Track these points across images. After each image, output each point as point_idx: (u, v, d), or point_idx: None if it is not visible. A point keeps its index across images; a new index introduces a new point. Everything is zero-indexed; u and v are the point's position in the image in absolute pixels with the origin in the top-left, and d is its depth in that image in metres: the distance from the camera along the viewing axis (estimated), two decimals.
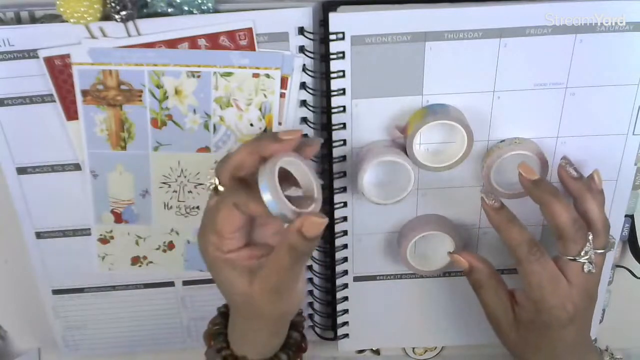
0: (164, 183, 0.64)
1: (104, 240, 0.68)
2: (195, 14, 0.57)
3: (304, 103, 0.61)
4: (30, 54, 0.58)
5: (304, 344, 0.61)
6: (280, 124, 0.61)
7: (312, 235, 0.47)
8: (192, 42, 0.58)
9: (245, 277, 0.51)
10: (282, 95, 0.60)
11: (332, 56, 0.58)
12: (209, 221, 0.52)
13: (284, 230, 0.49)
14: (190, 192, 0.65)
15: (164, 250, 0.68)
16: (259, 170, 0.49)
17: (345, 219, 0.65)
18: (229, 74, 0.59)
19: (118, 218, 0.66)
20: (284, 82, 0.60)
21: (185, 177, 0.64)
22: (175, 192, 0.65)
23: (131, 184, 0.65)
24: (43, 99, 0.60)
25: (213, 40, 0.58)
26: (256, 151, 0.51)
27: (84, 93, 0.60)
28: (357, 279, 0.69)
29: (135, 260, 0.69)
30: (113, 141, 0.62)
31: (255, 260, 0.52)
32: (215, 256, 0.52)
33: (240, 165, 0.51)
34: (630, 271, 0.70)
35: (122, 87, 0.60)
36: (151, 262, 0.69)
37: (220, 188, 0.51)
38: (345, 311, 0.71)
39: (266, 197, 0.47)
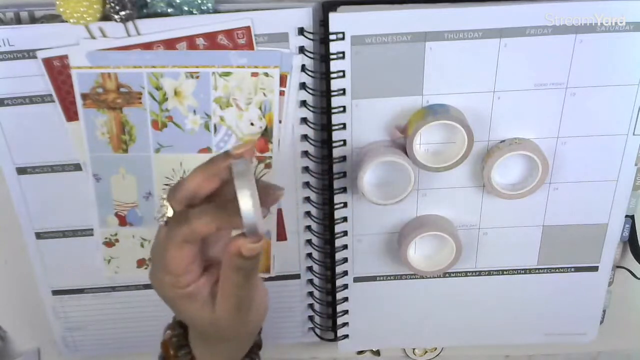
0: (166, 185, 0.64)
1: (109, 244, 0.67)
2: (195, 14, 0.57)
3: (304, 103, 0.61)
4: (30, 54, 0.58)
5: (260, 343, 0.58)
6: (280, 122, 0.61)
7: (251, 255, 0.44)
8: (191, 41, 0.58)
9: (207, 306, 0.48)
10: (281, 93, 0.60)
11: (332, 56, 0.58)
12: (159, 261, 0.47)
13: (225, 251, 0.45)
14: None
15: None
16: (235, 176, 0.43)
17: (345, 219, 0.65)
18: (228, 74, 0.59)
19: (122, 221, 0.66)
20: (283, 80, 0.60)
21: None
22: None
23: (134, 187, 0.65)
24: (43, 99, 0.60)
25: (211, 39, 0.58)
26: (213, 174, 0.46)
27: (84, 96, 0.60)
28: (357, 279, 0.69)
29: (141, 263, 0.69)
30: (114, 144, 0.62)
31: (215, 285, 0.48)
32: (175, 294, 0.47)
33: (196, 193, 0.46)
34: (630, 271, 0.70)
35: (122, 89, 0.60)
36: None
37: None
38: (346, 312, 0.71)
39: (246, 205, 0.42)
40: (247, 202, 0.42)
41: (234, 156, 0.46)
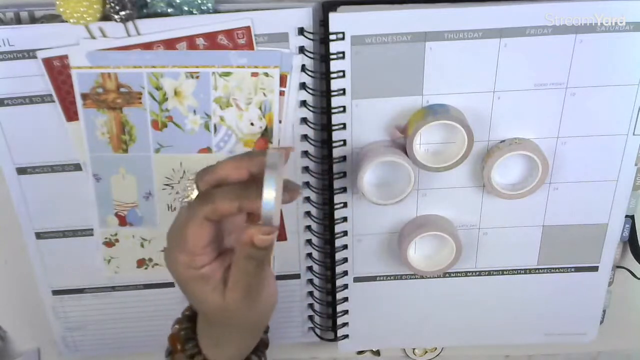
0: (166, 185, 0.64)
1: (108, 244, 0.67)
2: (195, 14, 0.57)
3: (304, 103, 0.61)
4: (30, 54, 0.58)
5: (267, 342, 0.59)
6: (280, 122, 0.61)
7: (263, 246, 0.45)
8: (191, 41, 0.58)
9: (218, 290, 0.49)
10: (281, 93, 0.60)
11: (332, 56, 0.58)
12: (177, 239, 0.48)
13: (239, 239, 0.46)
14: None
15: None
16: (267, 165, 0.44)
17: (345, 219, 0.65)
18: (228, 74, 0.59)
19: (122, 221, 0.66)
20: (283, 80, 0.60)
21: (187, 178, 0.64)
22: (178, 193, 0.65)
23: (134, 187, 0.64)
24: (43, 99, 0.60)
25: (211, 39, 0.58)
26: (245, 166, 0.47)
27: (84, 96, 0.60)
28: (357, 279, 0.69)
29: (141, 263, 0.69)
30: (114, 144, 0.62)
31: (227, 271, 0.49)
32: (188, 275, 0.49)
33: (224, 180, 0.47)
34: (630, 271, 0.70)
35: (122, 89, 0.60)
36: (157, 264, 0.69)
37: None
38: (346, 312, 0.71)
39: (269, 195, 0.43)
40: (270, 192, 0.43)
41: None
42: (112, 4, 0.55)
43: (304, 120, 0.62)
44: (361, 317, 0.71)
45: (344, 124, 0.61)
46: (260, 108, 0.61)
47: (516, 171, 0.62)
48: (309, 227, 0.67)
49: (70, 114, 0.61)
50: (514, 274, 0.69)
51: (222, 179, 0.48)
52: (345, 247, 0.67)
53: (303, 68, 0.59)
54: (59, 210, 0.66)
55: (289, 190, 0.49)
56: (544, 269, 0.68)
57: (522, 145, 0.60)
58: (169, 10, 0.57)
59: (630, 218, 0.67)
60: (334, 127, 0.61)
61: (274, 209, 0.44)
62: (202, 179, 0.48)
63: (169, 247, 0.50)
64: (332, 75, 0.58)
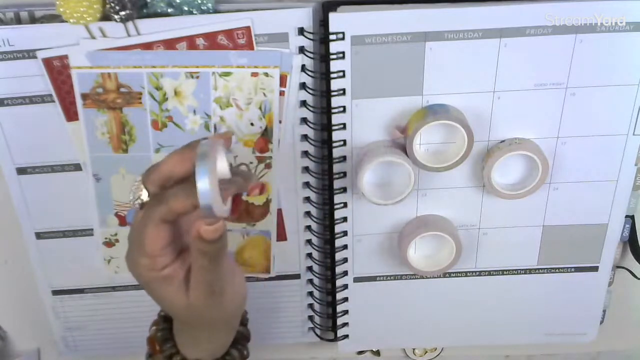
0: None
1: (108, 244, 0.67)
2: (195, 14, 0.57)
3: (304, 103, 0.61)
4: (30, 54, 0.58)
5: (248, 335, 0.58)
6: (280, 122, 0.61)
7: (212, 239, 0.45)
8: (191, 41, 0.58)
9: (182, 291, 0.48)
10: (281, 93, 0.60)
11: (332, 56, 0.58)
12: (137, 243, 0.48)
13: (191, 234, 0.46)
14: None
15: None
16: (197, 156, 0.43)
17: (345, 219, 0.65)
18: (228, 74, 0.59)
19: (122, 221, 0.66)
20: (283, 80, 0.60)
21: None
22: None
23: None
24: (43, 99, 0.60)
25: (211, 39, 0.58)
26: (187, 158, 0.47)
27: (84, 96, 0.60)
28: (357, 279, 0.69)
29: None
30: (114, 144, 0.62)
31: (189, 271, 0.49)
32: (151, 277, 0.48)
33: (170, 174, 0.47)
34: (630, 271, 0.70)
35: (122, 89, 0.60)
36: None
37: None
38: (346, 312, 0.71)
39: (202, 185, 0.41)
40: (203, 182, 0.41)
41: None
42: (112, 4, 0.55)
43: (304, 120, 0.62)
44: (361, 317, 0.71)
45: (344, 124, 0.61)
46: (260, 108, 0.61)
47: (516, 171, 0.63)
48: (309, 227, 0.67)
49: (70, 114, 0.61)
50: (514, 274, 0.69)
51: (168, 175, 0.47)
52: (345, 247, 0.67)
53: (303, 68, 0.59)
54: (59, 210, 0.66)
55: (241, 176, 0.48)
56: (544, 269, 0.68)
57: (522, 145, 0.60)
58: (169, 10, 0.57)
59: (630, 218, 0.67)
60: (334, 127, 0.61)
61: (210, 199, 0.42)
62: (149, 179, 0.48)
63: (130, 251, 0.49)
64: (332, 75, 0.58)
